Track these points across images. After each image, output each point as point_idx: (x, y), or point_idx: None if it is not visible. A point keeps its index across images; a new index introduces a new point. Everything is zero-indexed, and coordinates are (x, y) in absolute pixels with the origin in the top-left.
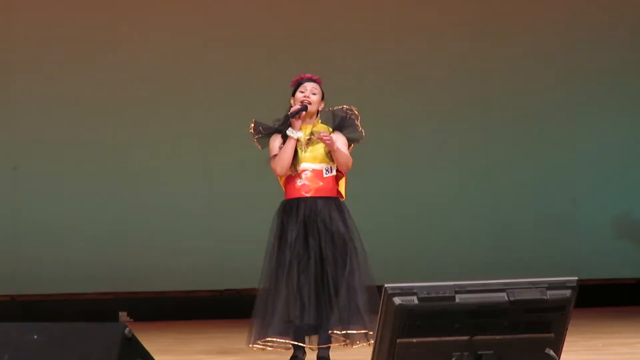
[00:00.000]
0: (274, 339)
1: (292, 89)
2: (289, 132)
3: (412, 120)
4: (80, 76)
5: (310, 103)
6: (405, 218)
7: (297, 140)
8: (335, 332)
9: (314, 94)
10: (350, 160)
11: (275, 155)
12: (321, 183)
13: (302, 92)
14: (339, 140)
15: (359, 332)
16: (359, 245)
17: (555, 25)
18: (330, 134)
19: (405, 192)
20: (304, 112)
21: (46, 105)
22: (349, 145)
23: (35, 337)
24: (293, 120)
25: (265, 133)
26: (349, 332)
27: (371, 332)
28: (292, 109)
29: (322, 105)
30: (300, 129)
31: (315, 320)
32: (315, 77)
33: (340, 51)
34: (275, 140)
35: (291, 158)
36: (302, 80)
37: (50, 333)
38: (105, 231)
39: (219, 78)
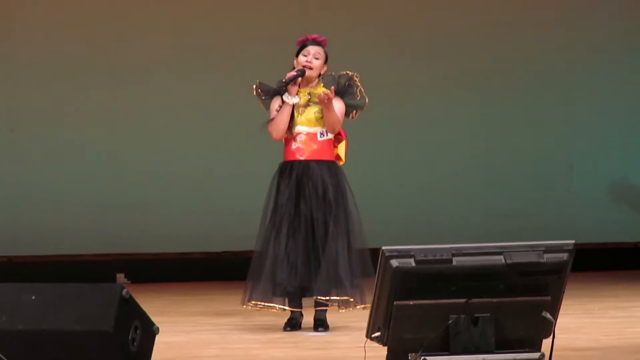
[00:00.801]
0: (260, 303)
1: (297, 48)
2: (285, 97)
3: (410, 88)
4: (79, 40)
5: (311, 68)
6: (403, 183)
7: (294, 104)
8: (319, 297)
9: (316, 58)
10: (337, 123)
11: (273, 118)
12: (315, 146)
13: (305, 55)
14: (336, 104)
15: (340, 298)
16: (351, 209)
17: None
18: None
19: (403, 158)
20: (300, 79)
21: (44, 69)
22: (354, 112)
23: (33, 297)
24: (289, 86)
25: (266, 96)
26: (331, 297)
27: (352, 299)
28: (288, 75)
29: (325, 69)
30: (299, 92)
31: (303, 282)
32: (320, 39)
33: (342, 21)
34: (275, 103)
35: (286, 123)
36: (306, 41)
37: (48, 293)
38: (103, 194)
39: (217, 44)
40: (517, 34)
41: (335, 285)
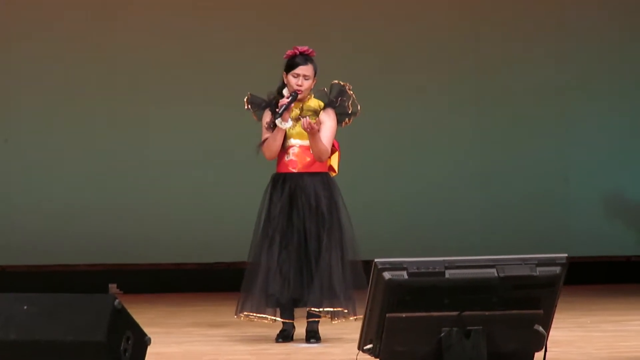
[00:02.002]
0: (252, 314)
1: (284, 61)
2: (278, 122)
3: (403, 97)
4: (74, 48)
5: (301, 92)
6: (396, 195)
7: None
8: (312, 309)
9: (306, 79)
10: (324, 153)
11: (265, 140)
12: (309, 159)
13: (295, 77)
14: (327, 124)
15: (335, 309)
16: (344, 222)
17: (548, 4)
18: (320, 110)
19: (396, 169)
20: (292, 104)
21: (38, 78)
22: (347, 120)
23: (25, 307)
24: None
25: (257, 109)
26: (325, 309)
27: (346, 310)
28: (281, 102)
29: (315, 82)
30: (292, 108)
31: (295, 294)
32: (308, 52)
33: (333, 27)
34: (266, 117)
35: (279, 146)
36: (295, 58)
37: (40, 304)
38: (95, 203)
39: (215, 53)
40: (512, 44)
41: (329, 296)
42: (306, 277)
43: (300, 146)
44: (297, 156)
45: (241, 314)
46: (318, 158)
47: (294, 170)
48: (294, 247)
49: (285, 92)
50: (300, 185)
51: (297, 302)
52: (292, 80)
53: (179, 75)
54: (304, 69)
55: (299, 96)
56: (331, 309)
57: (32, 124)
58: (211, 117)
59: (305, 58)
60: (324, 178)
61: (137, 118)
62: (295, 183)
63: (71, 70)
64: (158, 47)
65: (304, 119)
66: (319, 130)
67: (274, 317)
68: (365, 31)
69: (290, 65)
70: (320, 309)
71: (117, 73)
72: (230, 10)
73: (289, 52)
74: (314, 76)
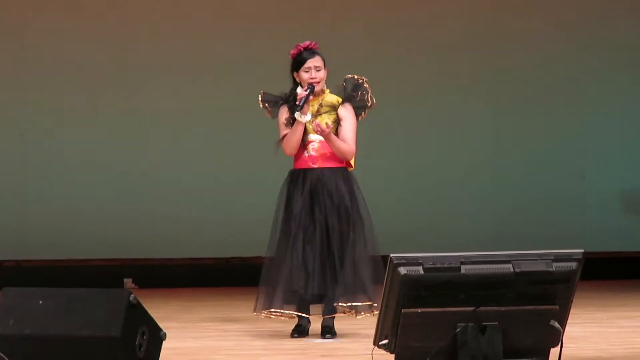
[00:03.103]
0: (278, 310)
1: (291, 62)
2: (297, 115)
3: (422, 94)
4: (88, 46)
5: (317, 82)
6: (413, 191)
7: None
8: (340, 304)
9: (318, 70)
10: (347, 153)
11: (284, 136)
12: (328, 154)
13: (307, 71)
14: (348, 120)
15: (363, 303)
16: (365, 216)
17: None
18: (339, 105)
19: (413, 165)
20: (311, 97)
21: (53, 74)
22: (362, 114)
23: (41, 302)
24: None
25: (272, 107)
26: (353, 303)
27: (375, 304)
28: (300, 95)
29: (327, 71)
30: (311, 100)
31: (319, 290)
32: (312, 45)
33: (350, 24)
34: (282, 115)
35: (299, 141)
36: (302, 54)
37: (56, 299)
38: (111, 198)
39: (223, 50)
40: (528, 41)
41: (355, 290)
42: (330, 273)
43: (320, 141)
44: (317, 151)
45: (262, 312)
46: (344, 158)
47: (314, 166)
48: (317, 243)
49: (299, 90)
50: (321, 180)
51: (321, 298)
52: (304, 75)
53: (193, 68)
54: (313, 61)
55: (316, 88)
56: (358, 303)
57: (48, 121)
58: (226, 113)
59: (311, 51)
60: (344, 173)
61: (152, 112)
62: (317, 179)
63: (86, 65)
64: (166, 43)
65: (315, 122)
66: (329, 132)
67: (296, 313)
68: (379, 28)
69: (299, 62)
70: (347, 304)
71: (129, 69)
72: (241, 3)
73: (293, 51)
74: (324, 66)
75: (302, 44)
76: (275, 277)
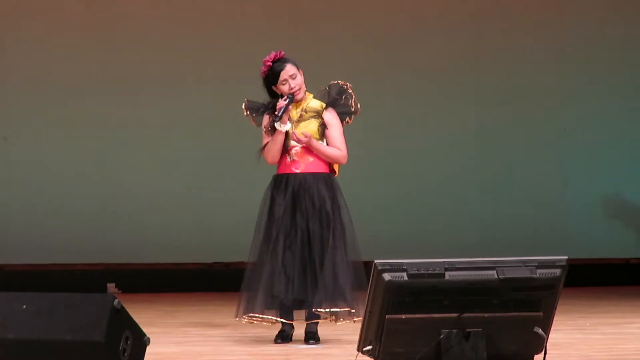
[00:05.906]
0: (259, 315)
1: (264, 78)
2: (277, 125)
3: (405, 100)
4: (72, 49)
5: (298, 91)
6: (397, 197)
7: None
8: (319, 310)
9: (293, 78)
10: (339, 156)
11: (265, 145)
12: (311, 159)
13: (284, 84)
14: (333, 124)
15: (342, 310)
16: (347, 222)
17: (547, 7)
18: (323, 110)
19: (397, 171)
20: (290, 107)
21: (37, 77)
22: (347, 120)
23: (24, 306)
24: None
25: (255, 114)
26: (332, 309)
27: (353, 310)
28: (279, 105)
29: (302, 74)
30: (290, 110)
31: (299, 295)
32: (279, 55)
33: (335, 32)
34: (265, 121)
35: (280, 149)
36: (272, 69)
37: (39, 303)
38: (94, 202)
39: (210, 57)
40: (510, 48)
41: (334, 297)
42: (310, 278)
43: (303, 147)
44: (300, 156)
45: (244, 317)
46: (336, 163)
47: (297, 171)
48: (298, 248)
49: (280, 100)
50: (303, 185)
51: (301, 304)
52: (284, 88)
53: (178, 75)
54: (286, 71)
55: (297, 96)
56: (337, 310)
57: (31, 124)
58: (210, 116)
59: (280, 62)
60: (327, 178)
61: (136, 117)
62: (299, 184)
63: (71, 69)
64: (155, 45)
65: (293, 132)
66: (310, 140)
67: (276, 319)
68: (365, 29)
69: (273, 75)
70: (327, 310)
71: (115, 72)
72: (230, 5)
73: (263, 68)
74: (298, 69)
75: (268, 58)
76: (255, 282)
